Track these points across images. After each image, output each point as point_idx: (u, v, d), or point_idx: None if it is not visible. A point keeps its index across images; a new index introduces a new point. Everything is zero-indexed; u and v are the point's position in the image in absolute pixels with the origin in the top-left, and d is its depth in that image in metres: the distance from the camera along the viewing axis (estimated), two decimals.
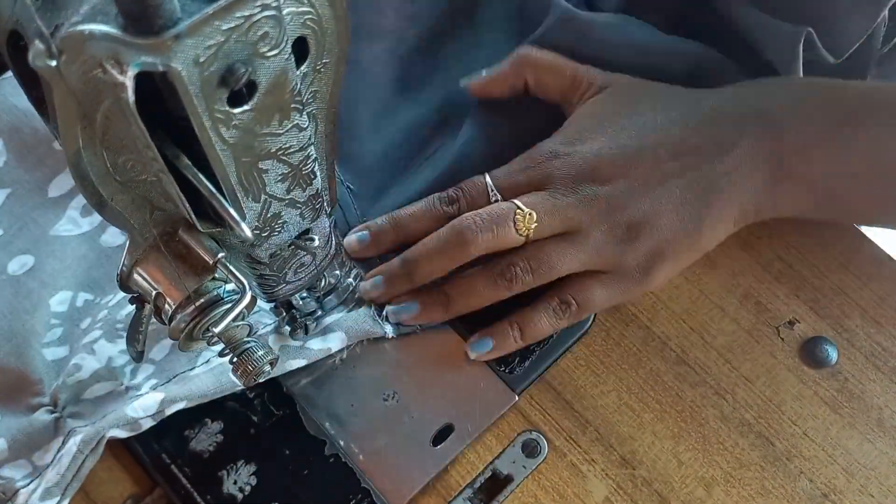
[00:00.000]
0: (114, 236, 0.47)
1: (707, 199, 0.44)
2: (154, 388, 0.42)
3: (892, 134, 0.45)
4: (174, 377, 0.43)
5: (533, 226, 0.43)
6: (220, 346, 0.40)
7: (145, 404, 0.41)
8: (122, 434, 0.41)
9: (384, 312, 0.45)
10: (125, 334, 0.42)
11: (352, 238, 0.47)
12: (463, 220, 0.43)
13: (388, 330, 0.45)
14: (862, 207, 0.48)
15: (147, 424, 0.41)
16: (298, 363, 0.43)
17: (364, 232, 0.46)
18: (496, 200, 0.45)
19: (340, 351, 0.45)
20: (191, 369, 0.43)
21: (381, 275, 0.45)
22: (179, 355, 0.43)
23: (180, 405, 0.41)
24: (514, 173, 0.46)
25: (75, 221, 0.47)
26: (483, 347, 0.44)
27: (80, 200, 0.48)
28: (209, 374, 0.42)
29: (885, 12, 0.49)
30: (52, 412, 0.42)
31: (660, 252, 0.44)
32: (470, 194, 0.46)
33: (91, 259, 0.47)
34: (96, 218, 0.48)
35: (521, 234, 0.43)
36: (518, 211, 0.43)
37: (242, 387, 0.41)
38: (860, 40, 0.50)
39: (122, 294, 0.44)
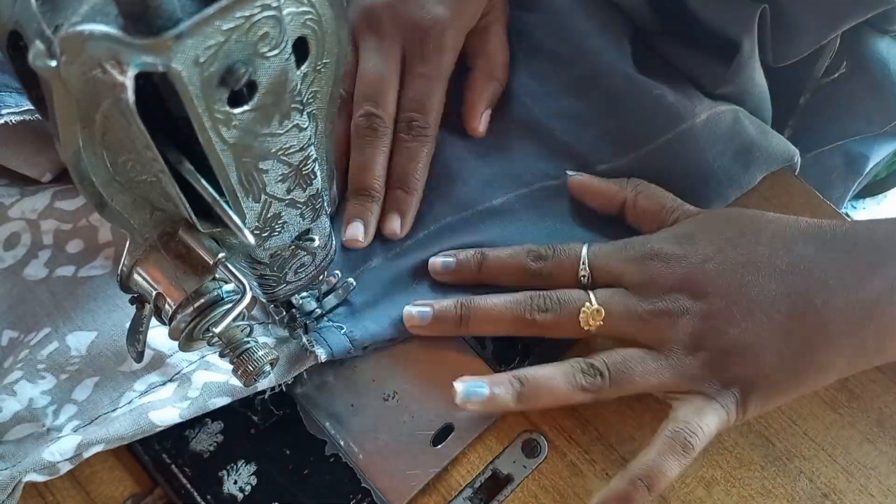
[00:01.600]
0: (36, 269, 0.46)
1: (818, 335, 0.40)
2: (75, 429, 0.41)
3: None
4: (96, 418, 0.41)
5: (598, 323, 0.42)
6: (145, 384, 0.41)
7: (62, 448, 0.40)
8: (39, 478, 0.39)
9: (310, 339, 0.44)
10: (46, 375, 0.42)
11: (437, 261, 0.46)
12: (532, 297, 0.43)
13: (320, 353, 0.43)
14: None
15: (65, 468, 0.40)
16: (223, 401, 0.42)
17: (451, 261, 0.46)
18: (584, 275, 0.44)
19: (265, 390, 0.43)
20: (112, 410, 0.41)
21: (433, 310, 0.44)
22: (102, 395, 0.42)
23: (98, 448, 0.40)
24: (612, 256, 0.44)
25: None
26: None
27: (2, 234, 0.47)
28: (128, 415, 0.41)
29: (837, 38, 0.49)
30: None
31: (749, 385, 0.41)
32: (560, 259, 0.45)
33: (15, 295, 0.45)
34: (20, 251, 0.46)
35: (583, 328, 0.42)
36: (587, 304, 0.42)
37: (161, 427, 0.40)
38: (807, 52, 0.49)
39: (45, 330, 0.43)
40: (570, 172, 0.49)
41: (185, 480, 0.42)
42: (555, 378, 0.42)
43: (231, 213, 0.30)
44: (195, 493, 0.41)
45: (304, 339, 0.43)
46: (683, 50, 0.52)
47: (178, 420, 0.41)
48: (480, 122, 0.50)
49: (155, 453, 0.42)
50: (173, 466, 0.42)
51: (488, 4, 0.51)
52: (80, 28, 0.23)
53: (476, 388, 0.42)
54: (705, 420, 0.40)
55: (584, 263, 0.44)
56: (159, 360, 0.43)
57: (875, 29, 0.53)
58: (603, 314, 0.42)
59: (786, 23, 0.49)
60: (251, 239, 0.31)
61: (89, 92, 0.26)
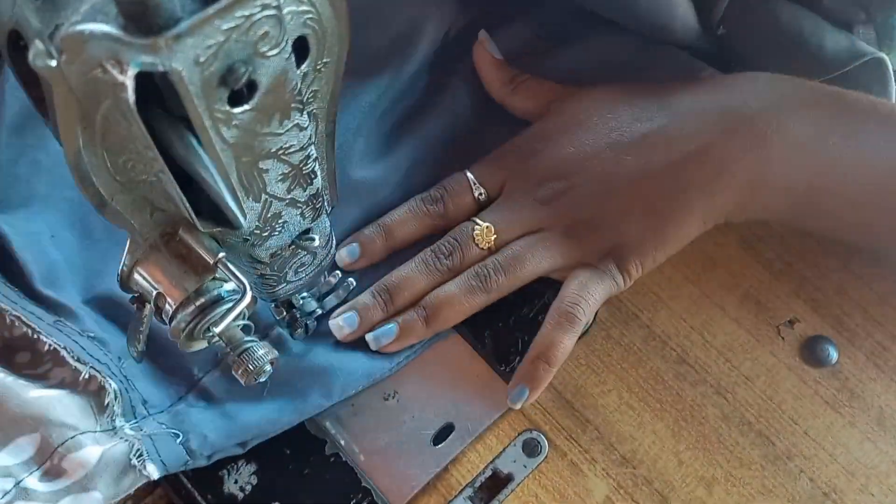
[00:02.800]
0: None
1: (673, 197, 0.44)
2: None
3: (885, 144, 0.43)
4: None
5: (492, 237, 0.45)
6: None
7: None
8: None
9: (140, 448, 0.39)
10: None
11: (342, 252, 0.46)
12: (431, 250, 0.45)
13: (152, 471, 0.38)
14: (847, 222, 0.46)
15: None
16: None
17: (354, 245, 0.46)
18: (479, 194, 0.46)
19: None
20: None
21: (355, 308, 0.44)
22: None
23: None
24: (493, 167, 0.47)
25: None
26: (521, 395, 0.43)
27: None
28: None
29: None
30: None
31: (621, 249, 0.44)
32: (452, 191, 0.46)
33: None
34: None
35: (482, 248, 0.45)
36: (476, 227, 0.45)
37: None
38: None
39: None
40: (482, 34, 0.50)
41: (185, 480, 0.42)
42: (451, 290, 0.44)
43: (223, 188, 0.29)
44: (195, 493, 0.41)
45: (134, 445, 0.39)
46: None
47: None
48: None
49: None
50: None
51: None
52: (80, 27, 0.23)
53: (385, 330, 0.44)
54: (588, 289, 0.44)
55: (474, 184, 0.46)
56: None
57: None
58: (493, 229, 0.45)
59: None
60: (241, 218, 0.31)
61: (89, 92, 0.26)
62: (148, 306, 0.35)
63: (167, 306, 0.34)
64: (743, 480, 0.43)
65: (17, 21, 0.27)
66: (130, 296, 0.36)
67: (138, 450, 0.39)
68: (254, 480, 0.42)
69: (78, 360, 0.40)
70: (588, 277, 0.44)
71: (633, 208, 0.44)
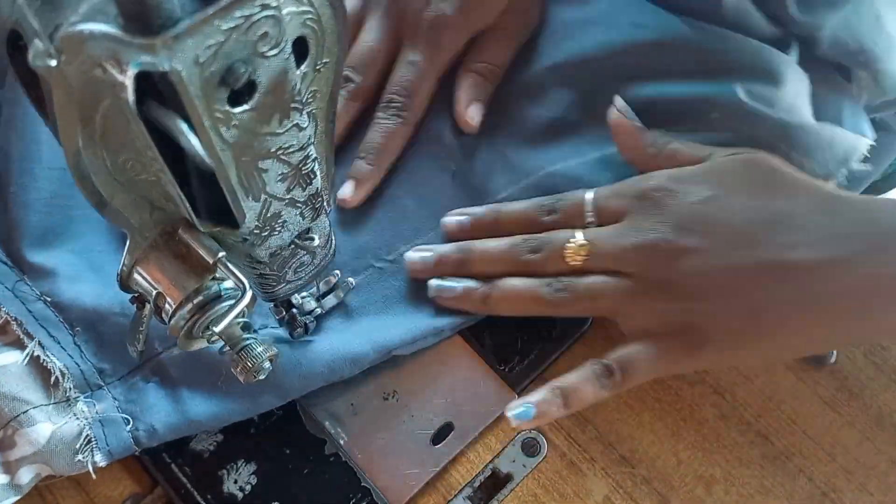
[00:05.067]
0: None
1: (797, 296, 0.39)
2: None
3: None
4: None
5: (581, 258, 0.42)
6: None
7: None
8: None
9: (91, 432, 0.40)
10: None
11: (451, 219, 0.47)
12: (524, 238, 0.44)
13: (99, 459, 0.40)
14: None
15: None
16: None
17: (465, 217, 0.46)
18: (591, 219, 0.44)
19: None
20: None
21: (435, 252, 0.45)
22: None
23: None
24: (613, 194, 0.44)
25: None
26: (525, 416, 0.41)
27: None
28: None
29: None
30: None
31: (706, 332, 0.40)
32: (566, 207, 0.45)
33: None
34: None
35: (568, 263, 0.43)
36: (571, 240, 0.43)
37: None
38: None
39: None
40: (618, 103, 0.46)
41: (184, 480, 0.42)
42: (520, 288, 0.43)
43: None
44: (195, 493, 0.41)
45: (83, 431, 0.40)
46: None
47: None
48: (467, 114, 0.49)
49: (155, 452, 0.42)
50: (173, 466, 0.42)
51: (504, 11, 0.50)
52: (79, 27, 0.23)
53: (449, 285, 0.44)
54: (643, 364, 0.41)
55: (588, 207, 0.44)
56: None
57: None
58: (587, 248, 0.42)
59: None
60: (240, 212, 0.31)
61: (89, 91, 0.26)
62: (148, 306, 0.35)
63: (167, 306, 0.34)
64: (742, 480, 0.43)
65: (16, 21, 0.27)
66: (130, 296, 0.36)
67: (87, 436, 0.40)
68: (253, 480, 0.42)
69: (26, 334, 0.41)
70: (649, 351, 0.41)
71: (741, 297, 0.40)
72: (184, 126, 0.26)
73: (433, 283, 0.45)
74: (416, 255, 0.46)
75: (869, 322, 0.40)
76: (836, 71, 0.51)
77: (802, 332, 0.40)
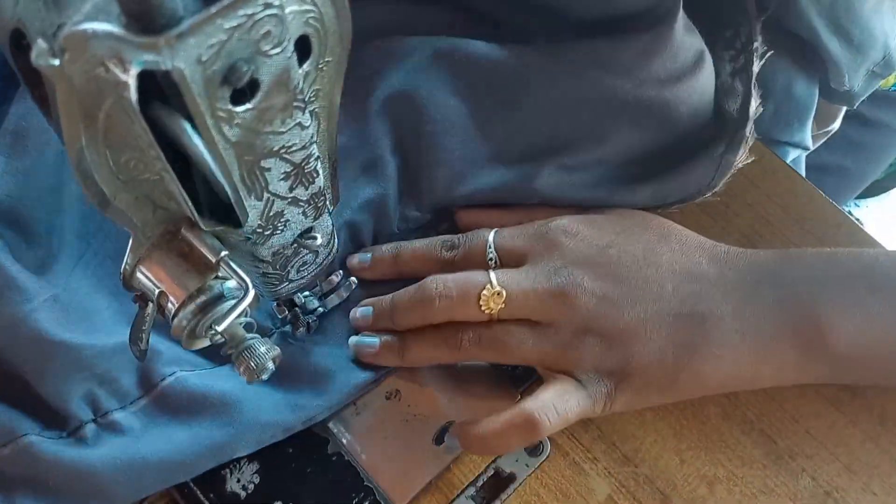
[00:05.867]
0: None
1: (703, 344, 0.41)
2: None
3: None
4: None
5: (499, 307, 0.41)
6: None
7: None
8: None
9: None
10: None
11: (355, 257, 0.46)
12: (429, 281, 0.42)
13: None
14: (880, 370, 0.43)
15: None
16: None
17: (367, 255, 0.46)
18: (492, 258, 0.44)
19: None
20: None
21: (373, 307, 0.44)
22: None
23: None
24: (517, 236, 0.44)
25: None
26: (453, 447, 0.42)
27: None
28: None
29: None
30: None
31: (627, 375, 0.41)
32: (469, 245, 0.45)
33: None
34: None
35: (483, 311, 0.41)
36: (487, 287, 0.41)
37: None
38: None
39: None
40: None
41: (187, 479, 0.42)
42: (429, 339, 0.43)
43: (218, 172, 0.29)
44: (198, 492, 0.41)
45: None
46: None
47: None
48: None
49: None
50: None
51: None
52: (82, 27, 0.23)
53: (369, 341, 0.44)
54: (567, 406, 0.40)
55: (490, 247, 0.44)
56: None
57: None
58: (503, 296, 0.41)
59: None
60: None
61: (92, 90, 0.26)
62: (151, 305, 0.35)
63: (170, 305, 0.34)
64: (745, 479, 0.43)
65: (19, 19, 0.27)
66: (133, 295, 0.36)
67: None
68: (256, 480, 0.42)
69: None
70: (571, 390, 0.41)
71: (657, 341, 0.41)
72: (186, 125, 0.26)
73: (351, 341, 0.44)
74: (359, 313, 0.45)
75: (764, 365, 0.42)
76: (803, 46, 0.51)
77: (708, 378, 0.42)
